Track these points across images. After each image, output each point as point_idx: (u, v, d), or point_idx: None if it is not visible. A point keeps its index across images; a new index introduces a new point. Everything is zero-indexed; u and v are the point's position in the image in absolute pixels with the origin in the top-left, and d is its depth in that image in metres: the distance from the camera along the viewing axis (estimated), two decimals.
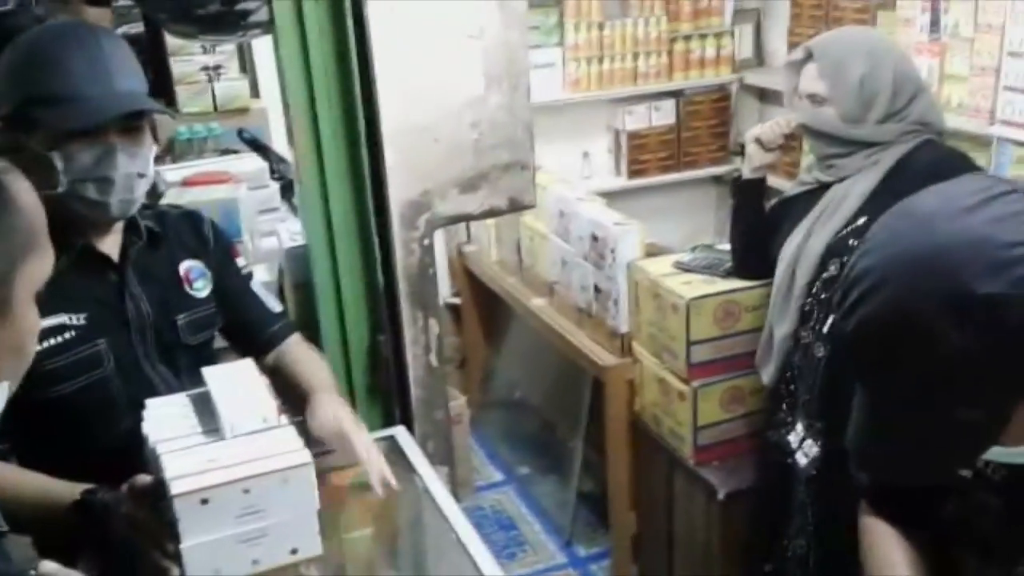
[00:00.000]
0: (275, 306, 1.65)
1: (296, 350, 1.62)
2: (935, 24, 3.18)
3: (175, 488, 1.05)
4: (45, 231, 0.86)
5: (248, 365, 1.31)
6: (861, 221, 1.84)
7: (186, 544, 1.07)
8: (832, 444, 1.90)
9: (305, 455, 1.12)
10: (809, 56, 1.91)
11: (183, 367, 1.46)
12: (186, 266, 1.51)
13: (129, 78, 1.36)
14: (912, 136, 1.85)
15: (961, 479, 1.01)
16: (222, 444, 1.14)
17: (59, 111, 1.28)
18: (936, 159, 1.83)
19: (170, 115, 1.62)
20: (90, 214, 1.35)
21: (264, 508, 1.09)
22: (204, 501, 1.06)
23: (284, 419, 1.19)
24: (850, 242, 1.83)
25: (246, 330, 1.59)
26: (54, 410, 1.31)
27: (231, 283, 1.58)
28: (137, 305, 1.42)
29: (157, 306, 1.44)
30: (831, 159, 1.92)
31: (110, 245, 1.41)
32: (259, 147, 2.79)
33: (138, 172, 1.35)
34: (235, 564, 1.09)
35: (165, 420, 1.20)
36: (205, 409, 1.21)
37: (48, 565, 0.81)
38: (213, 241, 1.57)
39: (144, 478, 1.18)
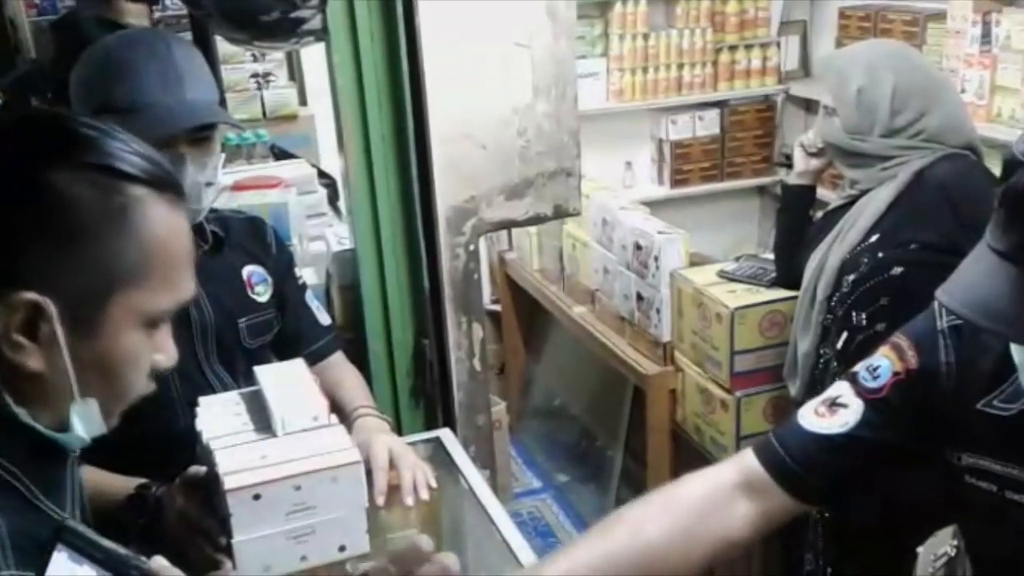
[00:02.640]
0: (325, 319, 1.66)
1: (340, 368, 1.63)
2: (986, 36, 3.13)
3: (229, 483, 1.07)
4: (174, 266, 0.85)
5: (299, 364, 1.33)
6: (874, 239, 1.81)
7: (237, 539, 1.08)
8: None
9: (355, 453, 1.14)
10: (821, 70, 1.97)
11: (241, 370, 1.48)
12: (248, 271, 1.53)
13: (201, 88, 1.38)
14: (928, 152, 1.81)
15: None
16: (273, 441, 1.16)
17: (131, 121, 1.31)
18: (951, 174, 1.78)
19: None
20: None
21: (314, 505, 1.10)
22: (256, 497, 1.07)
23: (334, 418, 1.21)
24: (862, 259, 1.80)
25: (294, 340, 1.59)
26: None
27: (288, 292, 1.59)
28: (200, 307, 1.44)
29: (219, 309, 1.46)
30: (847, 171, 1.92)
31: None
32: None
33: (206, 181, 1.38)
34: (284, 560, 1.11)
35: (218, 417, 1.23)
36: (257, 407, 1.23)
37: (159, 559, 0.83)
38: (276, 248, 1.59)
39: (197, 470, 1.21)
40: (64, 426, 0.84)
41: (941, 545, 1.22)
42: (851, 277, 1.82)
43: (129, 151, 0.83)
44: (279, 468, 1.09)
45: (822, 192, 2.17)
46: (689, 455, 2.54)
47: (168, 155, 1.32)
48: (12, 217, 0.77)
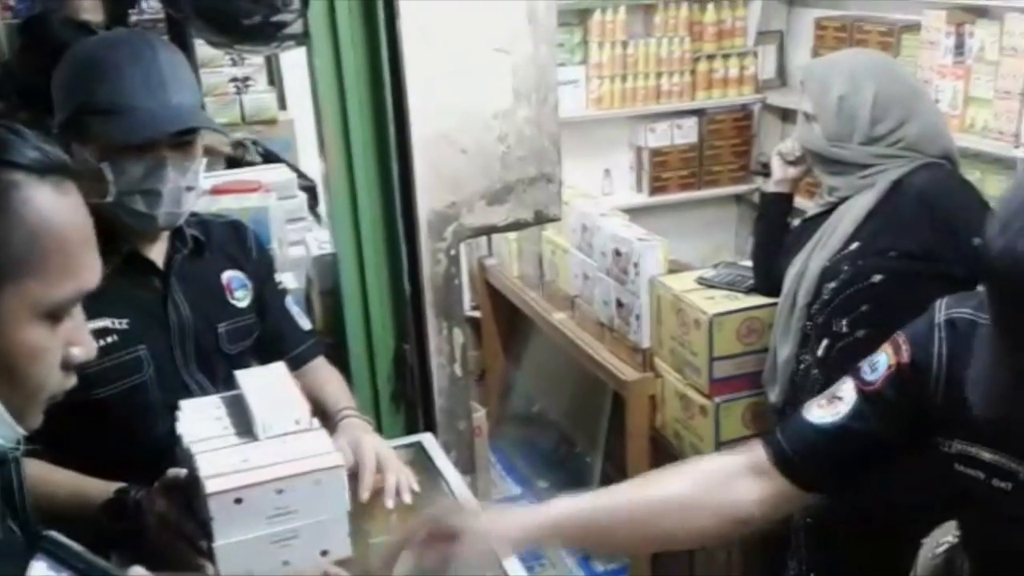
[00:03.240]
0: (306, 324, 1.65)
1: (322, 372, 1.63)
2: (960, 47, 3.19)
3: (210, 487, 1.07)
4: (69, 252, 0.81)
5: (280, 368, 1.33)
6: (854, 246, 1.83)
7: (219, 543, 1.08)
8: None
9: (337, 457, 1.14)
10: (804, 76, 1.98)
11: (220, 375, 1.46)
12: (228, 275, 1.52)
13: (184, 92, 1.36)
14: (907, 160, 1.83)
15: None
16: (255, 445, 1.16)
17: (113, 123, 1.30)
18: (929, 183, 1.80)
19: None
20: (136, 225, 1.36)
21: (296, 509, 1.10)
22: (238, 500, 1.07)
23: (316, 422, 1.20)
24: (843, 267, 1.83)
25: (275, 345, 1.58)
26: (92, 412, 1.31)
27: (269, 297, 1.58)
28: (179, 312, 1.43)
29: (199, 314, 1.45)
30: (826, 178, 1.94)
31: (156, 252, 1.42)
32: (272, 158, 2.89)
33: (187, 186, 1.37)
34: (266, 564, 1.11)
35: (199, 421, 1.22)
36: (238, 411, 1.23)
37: (136, 570, 0.81)
38: (256, 253, 1.58)
39: (176, 473, 1.20)
40: None
41: (945, 535, 1.24)
42: (832, 284, 1.84)
43: (12, 140, 0.79)
44: (261, 472, 1.09)
45: (799, 200, 2.19)
46: (668, 461, 2.51)
47: (150, 159, 1.32)
48: None
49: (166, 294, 1.42)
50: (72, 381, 0.86)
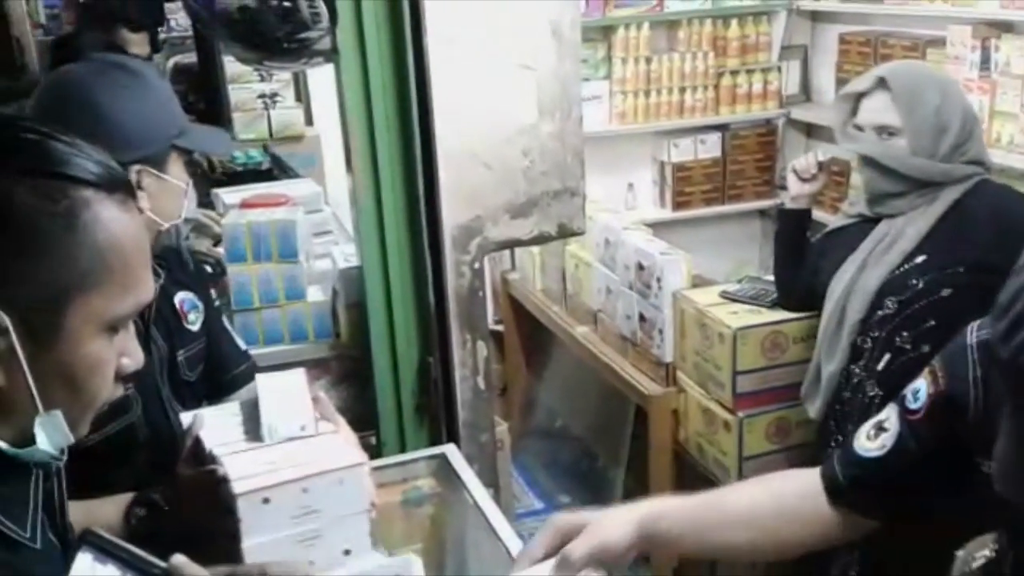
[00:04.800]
0: (242, 343, 1.61)
1: None
2: (985, 61, 3.17)
3: (238, 488, 1.08)
4: (130, 267, 0.82)
5: (298, 374, 1.34)
6: (920, 260, 1.82)
7: (247, 543, 1.09)
8: None
9: (359, 455, 1.16)
10: (878, 85, 1.86)
11: (188, 405, 1.41)
12: (180, 298, 1.47)
13: None
14: (965, 178, 1.84)
15: None
16: (275, 447, 1.17)
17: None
18: (996, 197, 1.82)
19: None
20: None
21: (320, 508, 1.11)
22: (266, 500, 1.08)
23: (322, 427, 1.22)
24: (910, 281, 1.82)
25: (219, 365, 1.53)
26: (77, 459, 1.29)
27: (209, 315, 1.54)
28: (156, 344, 1.39)
29: (167, 343, 1.41)
30: (886, 196, 1.89)
31: None
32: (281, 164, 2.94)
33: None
34: None
35: (219, 428, 1.23)
36: (255, 415, 1.25)
37: (178, 558, 0.80)
38: (192, 266, 1.54)
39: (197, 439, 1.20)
40: (29, 440, 0.81)
41: (980, 548, 1.23)
42: (897, 298, 1.82)
43: (73, 153, 0.80)
44: (287, 471, 1.11)
45: (819, 214, 2.19)
46: (691, 476, 2.54)
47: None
48: None
49: (147, 326, 1.37)
50: (120, 391, 0.88)
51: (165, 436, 1.34)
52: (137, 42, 3.13)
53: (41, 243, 0.76)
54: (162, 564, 0.70)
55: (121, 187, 0.83)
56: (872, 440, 1.14)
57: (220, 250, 2.11)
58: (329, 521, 1.12)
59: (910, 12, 3.59)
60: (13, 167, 0.76)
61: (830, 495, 1.14)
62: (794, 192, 2.09)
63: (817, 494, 1.15)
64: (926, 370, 1.13)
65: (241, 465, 1.12)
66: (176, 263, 1.50)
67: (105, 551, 0.67)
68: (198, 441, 1.20)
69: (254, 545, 1.08)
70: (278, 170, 3.04)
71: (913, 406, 1.11)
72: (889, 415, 1.14)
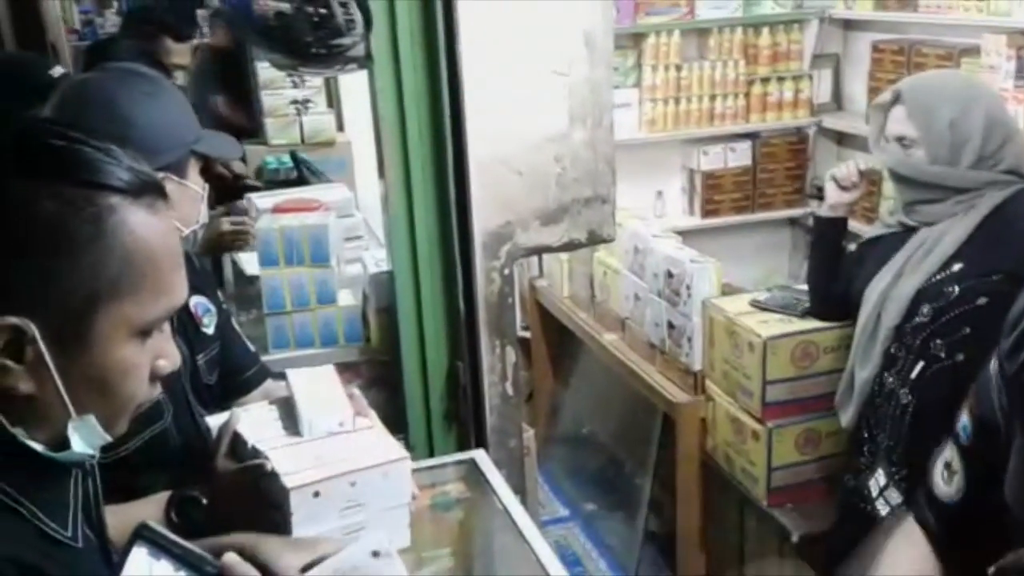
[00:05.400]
0: (250, 345, 1.62)
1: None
2: (1021, 71, 3.14)
3: (289, 482, 1.10)
4: (161, 271, 0.82)
5: (328, 370, 1.36)
6: (957, 267, 1.81)
7: (297, 535, 1.11)
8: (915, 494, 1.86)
9: (402, 450, 1.18)
10: (898, 98, 1.89)
11: (208, 409, 1.42)
12: (194, 302, 1.47)
13: None
14: (1003, 184, 1.82)
15: None
16: (314, 443, 1.19)
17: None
18: None
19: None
20: None
21: (365, 501, 1.14)
22: (316, 494, 1.11)
23: (360, 422, 1.23)
24: (946, 289, 1.81)
25: (226, 369, 1.53)
26: (112, 471, 1.23)
27: (220, 317, 1.54)
28: (180, 347, 1.40)
29: (187, 347, 1.41)
30: (917, 204, 1.90)
31: None
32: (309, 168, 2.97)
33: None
34: None
35: (258, 425, 1.25)
36: (291, 413, 1.27)
37: (230, 556, 0.81)
38: (200, 269, 1.53)
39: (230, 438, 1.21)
40: (64, 443, 0.81)
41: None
42: (933, 305, 1.81)
43: (100, 159, 0.79)
44: (336, 465, 1.13)
45: (854, 224, 2.17)
46: (719, 485, 2.53)
47: None
48: None
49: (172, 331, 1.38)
50: (157, 391, 0.89)
51: (195, 440, 1.35)
52: (180, 52, 3.15)
53: (67, 251, 0.76)
54: (215, 562, 0.70)
55: (150, 191, 0.82)
56: (948, 484, 1.18)
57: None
58: (373, 513, 1.14)
59: (944, 20, 3.55)
60: (40, 174, 0.76)
61: (929, 539, 1.20)
62: (833, 200, 2.08)
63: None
64: (965, 403, 1.16)
65: (288, 460, 1.14)
66: (188, 267, 1.51)
67: (160, 546, 0.68)
68: (237, 437, 1.22)
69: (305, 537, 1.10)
70: (308, 173, 3.07)
71: (964, 440, 1.15)
72: (952, 455, 1.17)
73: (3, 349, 0.75)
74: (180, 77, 3.19)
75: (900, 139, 1.88)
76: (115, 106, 1.31)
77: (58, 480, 0.85)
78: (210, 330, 1.48)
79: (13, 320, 0.75)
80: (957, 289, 1.78)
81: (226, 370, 1.53)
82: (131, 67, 1.50)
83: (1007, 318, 0.87)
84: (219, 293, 1.60)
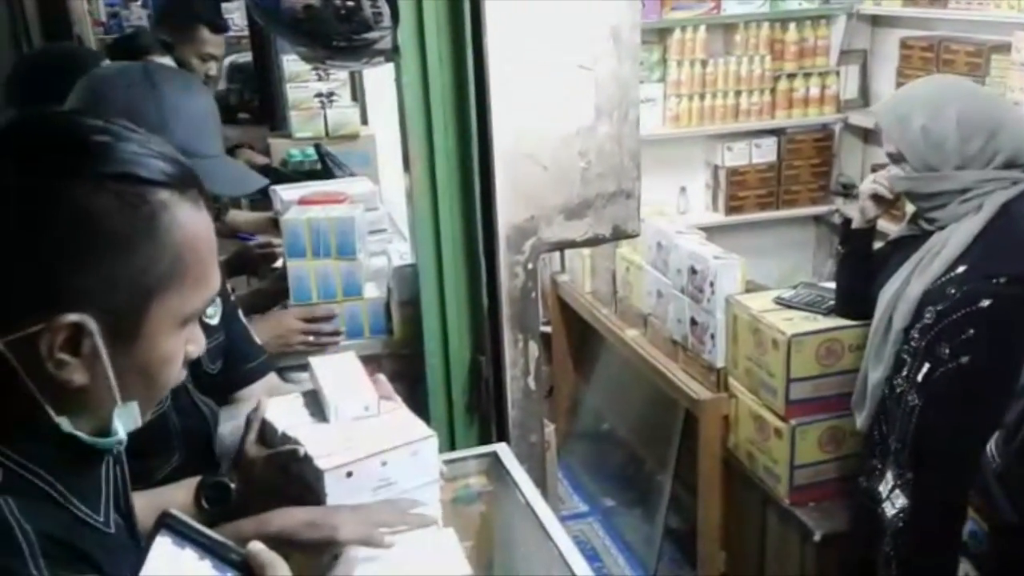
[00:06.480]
0: (257, 338, 1.62)
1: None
2: None
3: (323, 464, 1.12)
4: (204, 263, 0.84)
5: (350, 356, 1.37)
6: (960, 269, 1.81)
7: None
8: (921, 496, 1.85)
9: (428, 429, 1.20)
10: (877, 121, 1.95)
11: (210, 397, 1.44)
12: None
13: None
14: (1008, 181, 1.81)
15: None
16: (342, 427, 1.20)
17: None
18: None
19: None
20: None
21: (396, 480, 1.16)
22: (349, 474, 1.12)
23: (385, 405, 1.24)
24: (948, 291, 1.80)
25: (231, 359, 1.54)
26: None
27: (226, 309, 1.55)
28: None
29: None
30: (928, 213, 1.92)
31: None
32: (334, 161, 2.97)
33: None
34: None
35: (286, 413, 1.26)
36: (312, 400, 1.29)
37: (256, 544, 0.82)
38: None
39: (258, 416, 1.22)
40: (104, 430, 0.83)
41: None
42: (936, 308, 1.81)
43: (147, 154, 0.80)
44: (366, 446, 1.15)
45: (881, 223, 2.15)
46: (740, 483, 2.52)
47: None
48: (40, 239, 0.75)
49: None
50: (184, 376, 0.91)
51: (194, 425, 1.37)
52: (215, 43, 3.15)
53: (123, 248, 0.78)
54: (240, 550, 0.71)
55: (193, 184, 0.84)
56: None
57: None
58: (404, 491, 1.16)
59: (974, 17, 3.51)
60: (90, 171, 0.77)
61: None
62: (871, 215, 2.05)
63: None
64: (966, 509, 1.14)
65: (318, 444, 1.15)
66: None
67: (184, 535, 0.68)
68: (265, 424, 1.23)
69: None
70: (333, 165, 3.07)
71: (977, 550, 1.12)
72: (967, 569, 1.15)
73: (63, 345, 0.77)
74: (213, 67, 3.19)
75: (889, 156, 1.92)
76: (160, 99, 1.33)
77: (91, 467, 0.87)
78: (214, 320, 1.50)
79: (74, 318, 0.76)
80: (959, 292, 1.78)
81: (230, 360, 1.55)
82: (141, 65, 1.50)
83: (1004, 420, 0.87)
84: (227, 285, 1.62)
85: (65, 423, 0.81)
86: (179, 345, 0.85)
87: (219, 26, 3.12)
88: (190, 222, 0.82)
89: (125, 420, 0.84)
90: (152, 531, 0.68)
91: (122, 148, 0.79)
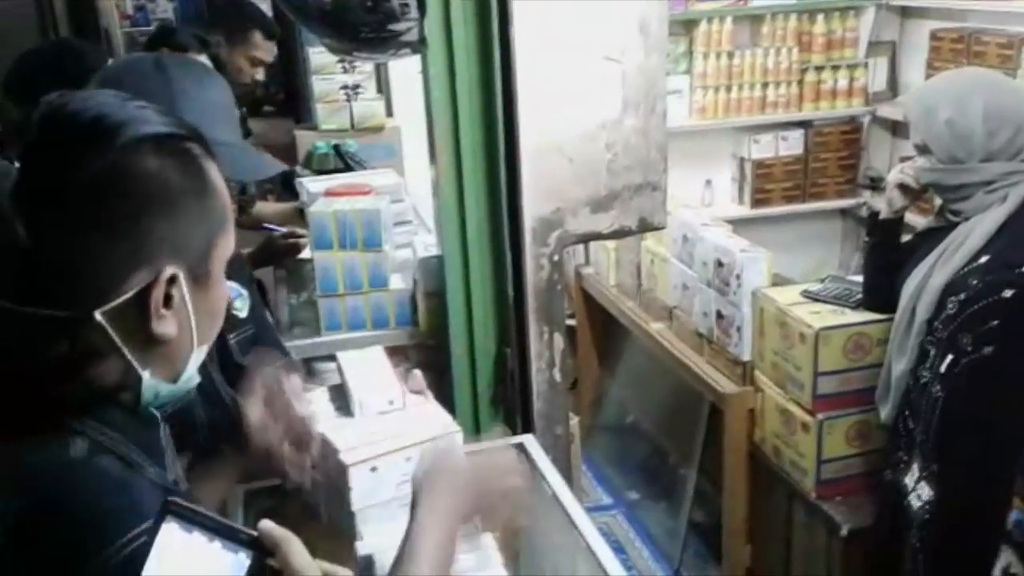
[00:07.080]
0: (282, 341, 1.66)
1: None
2: None
3: (348, 459, 1.14)
4: (227, 210, 0.92)
5: (377, 351, 1.38)
6: (983, 260, 1.80)
7: (357, 507, 1.15)
8: (946, 488, 1.84)
9: (453, 423, 1.22)
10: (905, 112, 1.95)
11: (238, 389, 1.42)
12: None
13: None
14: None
15: None
16: (368, 421, 1.21)
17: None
18: None
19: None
20: None
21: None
22: (373, 469, 1.14)
23: (410, 399, 1.25)
24: (971, 281, 1.80)
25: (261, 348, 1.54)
26: None
27: (255, 304, 1.58)
28: None
29: None
30: (952, 204, 1.91)
31: None
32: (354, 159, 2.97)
33: None
34: (398, 524, 1.15)
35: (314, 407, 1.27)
36: (340, 395, 1.29)
37: (266, 523, 0.86)
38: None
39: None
40: (176, 379, 0.89)
41: None
42: (959, 298, 1.80)
43: (161, 111, 0.87)
44: (391, 441, 1.17)
45: (908, 216, 2.13)
46: (766, 477, 2.51)
47: None
48: (124, 208, 0.81)
49: None
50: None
51: (221, 417, 1.37)
52: (267, 49, 3.14)
53: (191, 197, 0.85)
54: (248, 530, 0.72)
55: (197, 137, 0.89)
56: None
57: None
58: None
59: (1006, 8, 3.46)
60: (132, 140, 0.82)
61: None
62: (897, 206, 2.04)
63: None
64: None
65: (343, 438, 1.16)
66: None
67: (189, 519, 0.69)
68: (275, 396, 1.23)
69: (364, 509, 1.14)
70: (354, 164, 3.08)
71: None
72: (1010, 560, 1.13)
73: (163, 299, 0.83)
74: (261, 72, 3.17)
75: (916, 147, 1.91)
76: (169, 83, 1.35)
77: (155, 431, 0.91)
78: (243, 313, 1.53)
79: (172, 270, 0.83)
80: (981, 282, 1.77)
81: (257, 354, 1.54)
82: (159, 56, 1.52)
83: None
84: (255, 283, 1.65)
85: (147, 377, 0.85)
86: (226, 287, 0.92)
87: (273, 32, 3.11)
88: (213, 167, 0.89)
89: (193, 364, 0.89)
90: (157, 518, 0.69)
91: (144, 114, 0.85)
